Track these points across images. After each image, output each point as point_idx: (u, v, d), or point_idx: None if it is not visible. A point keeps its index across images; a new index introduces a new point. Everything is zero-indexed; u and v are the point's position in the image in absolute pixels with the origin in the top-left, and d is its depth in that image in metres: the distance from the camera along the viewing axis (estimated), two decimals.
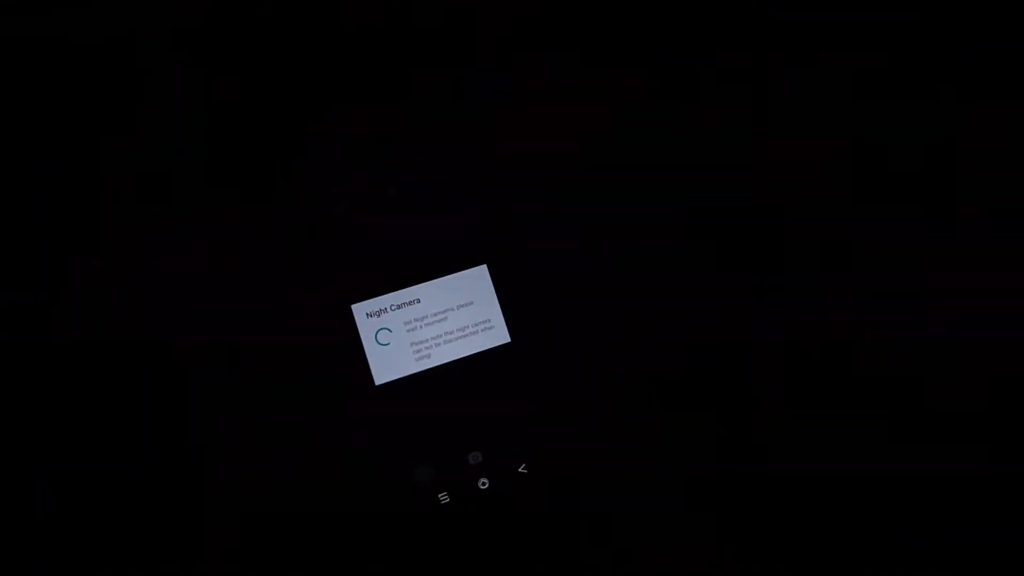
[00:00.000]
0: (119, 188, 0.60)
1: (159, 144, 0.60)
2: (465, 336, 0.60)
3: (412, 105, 0.62)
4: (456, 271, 0.60)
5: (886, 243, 0.60)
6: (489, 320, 0.60)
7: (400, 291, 0.60)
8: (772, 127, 0.63)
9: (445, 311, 0.60)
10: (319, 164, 0.62)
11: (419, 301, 0.60)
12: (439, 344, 0.60)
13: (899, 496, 0.58)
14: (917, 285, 0.60)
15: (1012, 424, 0.58)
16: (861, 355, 0.60)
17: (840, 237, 0.61)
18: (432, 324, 0.60)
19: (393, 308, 0.60)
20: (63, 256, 0.59)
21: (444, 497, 0.58)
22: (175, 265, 0.59)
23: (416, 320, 0.60)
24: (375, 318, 0.60)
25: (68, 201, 0.59)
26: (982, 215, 0.61)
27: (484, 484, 0.59)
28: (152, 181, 0.60)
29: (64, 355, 0.58)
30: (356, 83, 0.62)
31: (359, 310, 0.60)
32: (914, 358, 0.59)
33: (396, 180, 0.61)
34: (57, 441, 0.57)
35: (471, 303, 0.60)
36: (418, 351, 0.59)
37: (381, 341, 0.59)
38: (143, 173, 0.60)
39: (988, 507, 0.57)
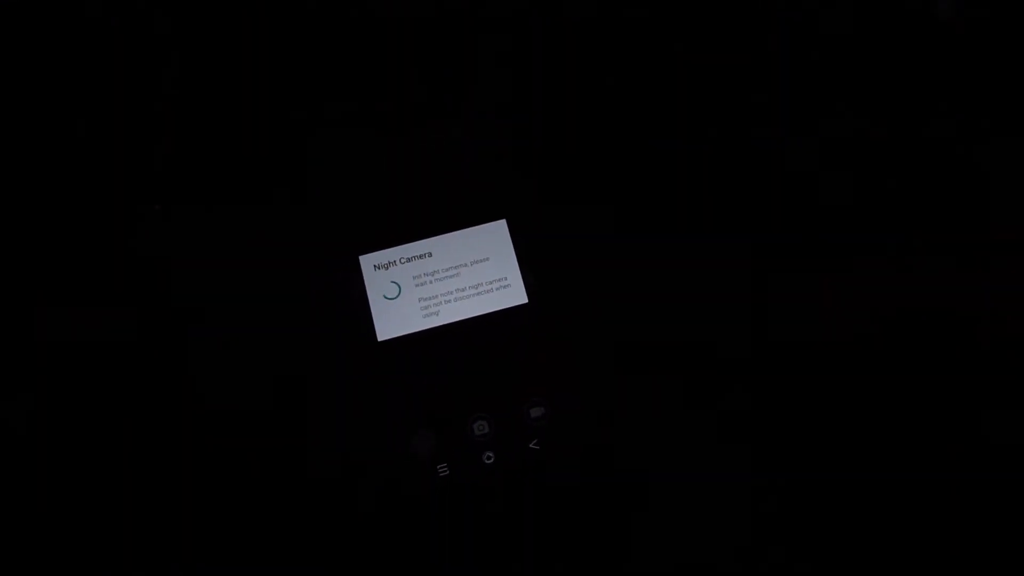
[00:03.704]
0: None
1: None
2: (478, 294, 0.55)
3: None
4: (473, 224, 0.56)
5: None
6: (506, 278, 0.55)
7: (411, 243, 0.55)
8: None
9: (458, 266, 0.55)
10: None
11: (431, 255, 0.55)
12: (449, 301, 0.54)
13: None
14: None
15: None
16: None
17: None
18: (443, 279, 0.55)
19: (403, 261, 0.55)
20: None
21: (444, 469, 0.52)
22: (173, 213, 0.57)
23: (426, 275, 0.55)
24: (383, 271, 0.55)
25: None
26: None
27: (489, 458, 0.52)
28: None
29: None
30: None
31: (367, 262, 0.55)
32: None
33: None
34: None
35: (487, 259, 0.55)
36: (426, 307, 0.54)
37: (388, 295, 0.55)
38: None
39: None
